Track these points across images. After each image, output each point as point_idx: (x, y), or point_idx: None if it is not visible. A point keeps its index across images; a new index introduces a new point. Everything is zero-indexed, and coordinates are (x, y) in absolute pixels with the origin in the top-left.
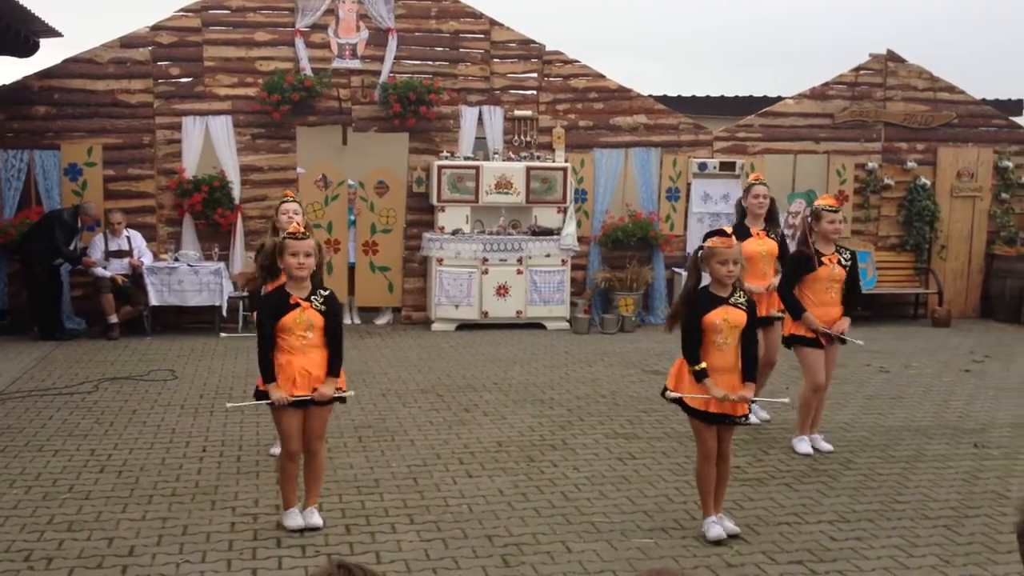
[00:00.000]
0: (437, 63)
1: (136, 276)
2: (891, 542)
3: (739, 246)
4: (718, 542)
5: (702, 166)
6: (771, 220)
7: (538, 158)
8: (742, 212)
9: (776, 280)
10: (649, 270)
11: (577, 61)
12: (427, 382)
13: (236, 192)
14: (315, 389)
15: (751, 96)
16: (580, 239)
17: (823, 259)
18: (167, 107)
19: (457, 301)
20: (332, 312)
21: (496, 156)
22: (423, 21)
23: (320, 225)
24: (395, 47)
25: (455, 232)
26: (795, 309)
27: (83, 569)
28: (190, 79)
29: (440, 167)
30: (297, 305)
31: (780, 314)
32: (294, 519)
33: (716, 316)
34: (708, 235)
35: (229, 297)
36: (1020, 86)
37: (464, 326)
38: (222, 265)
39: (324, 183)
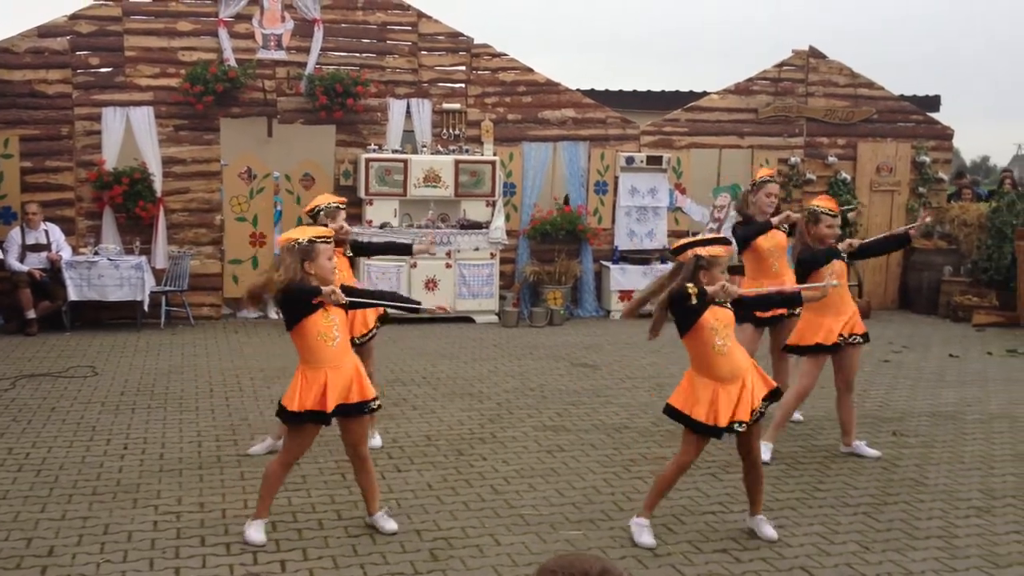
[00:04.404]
0: (364, 55)
1: (54, 270)
2: (813, 530)
3: (730, 250)
4: (651, 549)
5: (629, 160)
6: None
7: (467, 151)
8: (745, 206)
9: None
10: (578, 263)
11: (505, 54)
12: None
13: (158, 185)
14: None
15: (677, 91)
16: (509, 232)
17: (823, 257)
18: (86, 98)
19: None
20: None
21: (424, 149)
22: (350, 12)
23: (245, 218)
24: (321, 38)
25: (383, 226)
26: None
27: (1, 570)
28: (110, 69)
29: (368, 160)
30: (321, 305)
31: (796, 312)
32: (260, 534)
33: (709, 317)
34: (701, 243)
35: (152, 292)
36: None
37: (392, 320)
38: (143, 259)
39: (249, 176)
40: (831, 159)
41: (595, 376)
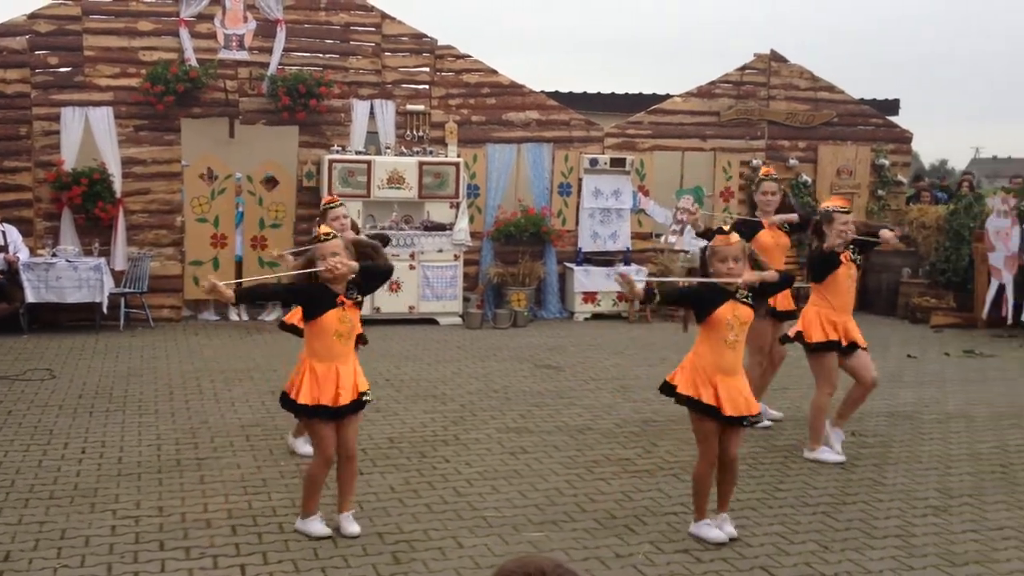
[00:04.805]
0: (327, 56)
1: (12, 272)
2: (773, 529)
3: (741, 243)
4: (720, 544)
5: (593, 162)
6: (785, 212)
7: (431, 153)
8: (754, 206)
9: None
10: (541, 265)
11: (469, 56)
12: None
13: (117, 185)
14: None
15: (640, 93)
16: (473, 234)
17: (839, 258)
18: (45, 97)
19: None
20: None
21: (388, 151)
22: (312, 13)
23: (206, 219)
24: (284, 39)
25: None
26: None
27: None
28: (69, 69)
29: (331, 161)
30: (342, 303)
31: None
32: (317, 526)
33: (726, 312)
34: (714, 233)
35: (111, 294)
36: (897, 86)
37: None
38: (102, 261)
39: (210, 177)
40: (792, 162)
41: (559, 378)
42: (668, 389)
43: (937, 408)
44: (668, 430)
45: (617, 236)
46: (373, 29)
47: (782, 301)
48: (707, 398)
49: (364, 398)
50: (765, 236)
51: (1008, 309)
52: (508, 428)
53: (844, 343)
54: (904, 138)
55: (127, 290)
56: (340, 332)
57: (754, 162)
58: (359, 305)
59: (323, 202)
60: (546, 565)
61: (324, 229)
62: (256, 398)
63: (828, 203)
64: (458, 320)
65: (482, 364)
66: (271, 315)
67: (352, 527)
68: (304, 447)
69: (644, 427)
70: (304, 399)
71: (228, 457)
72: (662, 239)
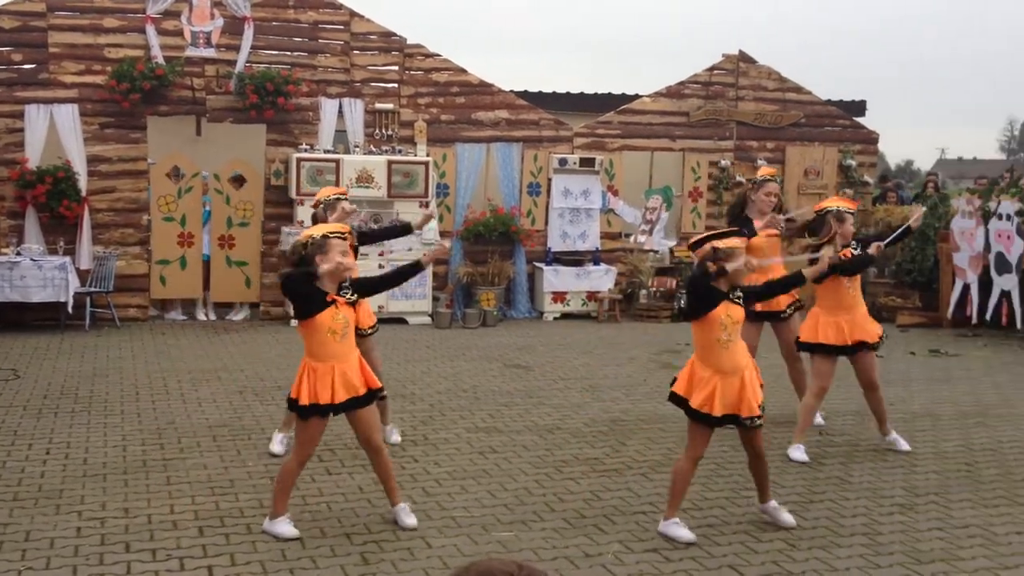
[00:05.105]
0: (295, 54)
1: None
2: (740, 528)
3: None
4: (689, 543)
5: (562, 162)
6: (779, 216)
7: (400, 152)
8: (742, 205)
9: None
10: (511, 264)
11: (439, 55)
12: (285, 379)
13: (83, 183)
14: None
15: (610, 93)
16: (442, 234)
17: (843, 255)
18: (8, 94)
19: None
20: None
21: (357, 149)
22: (281, 10)
23: (173, 218)
24: (251, 36)
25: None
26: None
27: None
28: (34, 66)
29: (299, 160)
30: (333, 302)
31: (791, 310)
32: (286, 527)
33: (720, 312)
34: (713, 236)
35: (76, 293)
36: (863, 87)
37: None
38: (68, 260)
39: (177, 175)
40: (760, 162)
41: (528, 377)
42: (672, 394)
43: (903, 407)
44: (637, 429)
45: (586, 236)
46: (342, 27)
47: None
48: (698, 401)
49: (378, 394)
50: (758, 237)
51: (973, 309)
52: (477, 428)
53: (849, 342)
54: (870, 139)
55: (93, 289)
56: (333, 329)
57: (722, 162)
58: (353, 304)
59: (329, 193)
60: (512, 569)
61: (341, 227)
62: (224, 398)
63: (835, 203)
64: (427, 320)
65: (451, 364)
66: (238, 315)
67: (408, 519)
68: (275, 445)
69: (613, 426)
70: (303, 400)
71: (195, 458)
72: (631, 239)
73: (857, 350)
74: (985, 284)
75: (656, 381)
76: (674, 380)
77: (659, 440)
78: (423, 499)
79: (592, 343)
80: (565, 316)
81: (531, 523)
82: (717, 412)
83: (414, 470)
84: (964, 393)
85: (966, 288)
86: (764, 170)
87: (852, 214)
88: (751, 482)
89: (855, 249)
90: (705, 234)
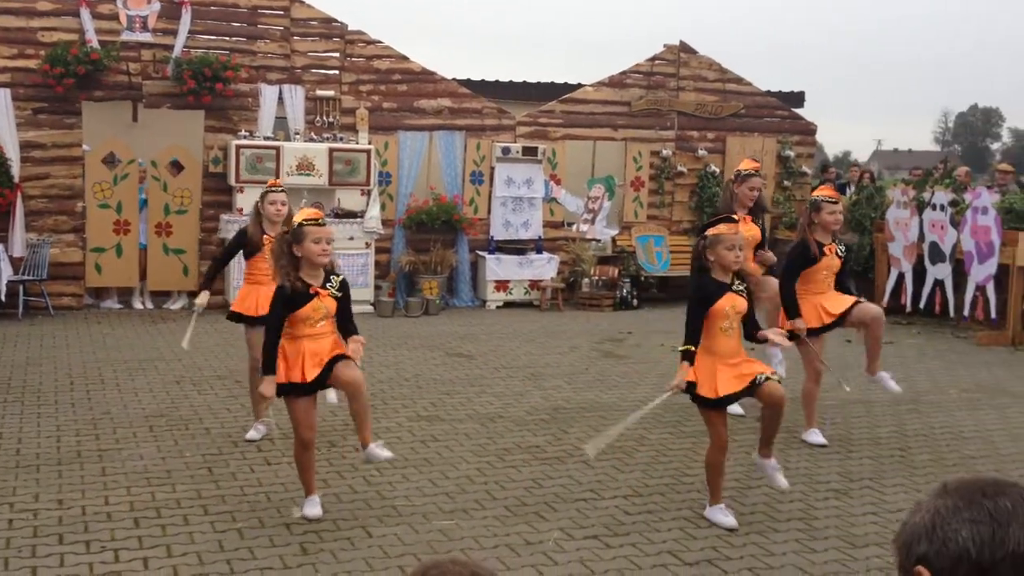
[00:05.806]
0: (234, 39)
1: None
2: (681, 514)
3: (742, 233)
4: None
5: (505, 150)
6: (758, 207)
7: (341, 139)
8: (730, 201)
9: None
10: (453, 253)
11: (380, 42)
12: (224, 368)
13: (15, 170)
14: (335, 360)
15: (552, 82)
16: (384, 222)
17: (824, 249)
18: None
19: None
20: (346, 295)
21: (297, 136)
22: None
23: (108, 205)
24: (189, 21)
25: None
26: (792, 308)
27: None
28: None
29: (238, 147)
30: (316, 295)
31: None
32: (315, 507)
33: (724, 303)
34: (708, 224)
35: (9, 281)
36: (802, 79)
37: None
38: (0, 247)
39: (112, 161)
40: (701, 152)
41: (470, 366)
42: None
43: (837, 394)
44: (579, 417)
45: (529, 224)
46: (281, 12)
47: None
48: (707, 390)
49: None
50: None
51: (907, 298)
52: (419, 416)
53: (827, 321)
54: (809, 130)
55: (26, 277)
56: (310, 317)
57: (664, 152)
58: (338, 299)
59: (268, 185)
60: (461, 572)
61: (314, 213)
62: (160, 388)
63: (817, 193)
64: (369, 308)
65: (393, 352)
66: (176, 303)
67: (383, 452)
68: (251, 432)
69: (555, 415)
70: (280, 379)
71: (131, 448)
72: (574, 228)
73: (844, 317)
74: (919, 273)
75: (597, 369)
76: (693, 384)
77: (600, 428)
78: (364, 488)
79: (534, 332)
80: (508, 305)
81: (472, 511)
82: (721, 392)
83: (354, 459)
84: (898, 380)
85: (901, 277)
86: (747, 163)
87: (832, 202)
88: (691, 468)
89: (840, 247)
90: (709, 222)
